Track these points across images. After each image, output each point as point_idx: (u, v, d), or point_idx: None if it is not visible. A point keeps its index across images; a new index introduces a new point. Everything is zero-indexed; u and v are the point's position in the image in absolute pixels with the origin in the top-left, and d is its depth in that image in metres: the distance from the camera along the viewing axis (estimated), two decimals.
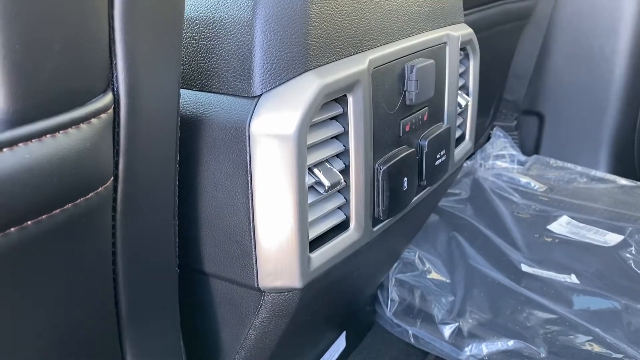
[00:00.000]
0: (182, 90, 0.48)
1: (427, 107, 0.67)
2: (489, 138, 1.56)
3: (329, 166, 0.54)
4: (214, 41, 0.49)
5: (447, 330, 0.93)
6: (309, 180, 0.52)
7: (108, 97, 0.36)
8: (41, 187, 0.33)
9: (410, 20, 0.64)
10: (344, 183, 0.56)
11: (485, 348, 0.89)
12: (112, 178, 0.38)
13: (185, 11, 0.44)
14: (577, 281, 1.02)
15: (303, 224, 0.51)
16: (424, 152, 0.66)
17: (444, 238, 1.13)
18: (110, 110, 0.36)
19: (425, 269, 1.05)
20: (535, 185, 1.38)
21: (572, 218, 1.22)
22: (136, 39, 0.36)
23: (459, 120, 0.80)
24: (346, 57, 0.54)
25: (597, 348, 0.86)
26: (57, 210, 0.34)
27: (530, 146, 1.61)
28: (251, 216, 0.50)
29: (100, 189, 0.37)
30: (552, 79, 1.53)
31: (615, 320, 0.92)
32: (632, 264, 1.07)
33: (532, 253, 1.10)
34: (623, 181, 1.39)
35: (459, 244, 1.11)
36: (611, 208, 1.27)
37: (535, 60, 1.54)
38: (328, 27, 0.51)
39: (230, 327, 0.58)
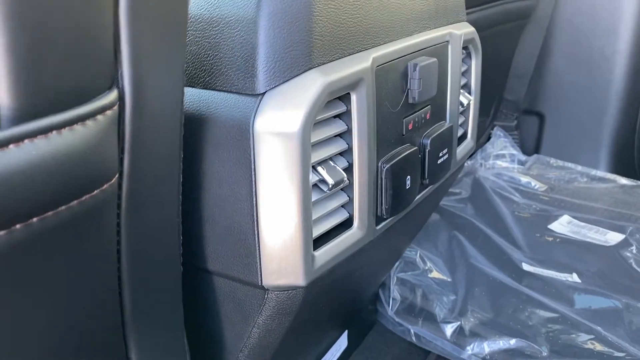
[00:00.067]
0: (185, 88, 0.48)
1: (429, 106, 0.67)
2: (489, 138, 1.56)
3: (332, 164, 0.54)
4: (217, 39, 0.49)
5: (449, 329, 0.93)
6: (313, 178, 0.52)
7: (113, 94, 0.36)
8: (47, 183, 0.33)
9: (413, 18, 0.64)
10: (348, 181, 0.56)
11: (487, 347, 0.89)
12: (117, 175, 0.38)
13: (189, 8, 0.44)
14: (578, 280, 1.02)
15: (307, 222, 0.51)
16: (427, 150, 0.66)
17: (445, 237, 1.13)
18: (116, 107, 0.36)
19: (426, 268, 1.05)
20: (535, 184, 1.38)
21: (573, 217, 1.23)
22: (141, 36, 0.36)
23: (461, 119, 0.80)
24: (350, 55, 0.54)
25: (598, 347, 0.86)
26: (62, 207, 0.34)
27: (531, 146, 1.61)
28: (255, 214, 0.50)
29: (105, 185, 0.37)
30: (553, 78, 1.54)
31: (616, 319, 0.92)
32: (633, 263, 1.07)
33: (533, 252, 1.11)
34: (623, 181, 1.39)
35: (460, 243, 1.11)
36: (612, 207, 1.27)
37: (536, 60, 1.54)
38: (332, 25, 0.51)
39: (233, 325, 0.58)
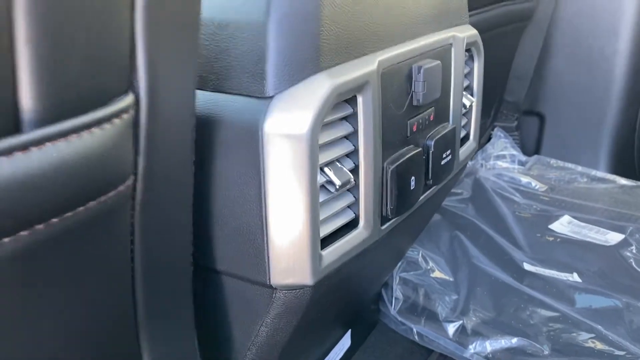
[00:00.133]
0: (196, 91, 0.49)
1: (433, 108, 0.68)
2: (489, 138, 1.57)
3: (339, 165, 0.55)
4: (227, 43, 0.50)
5: (451, 328, 0.94)
6: (320, 179, 0.53)
7: (129, 98, 0.36)
8: (66, 185, 0.34)
9: (418, 21, 0.65)
10: (354, 182, 0.57)
11: (489, 346, 0.90)
12: (131, 177, 0.39)
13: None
14: (579, 280, 1.03)
15: (315, 222, 0.52)
16: (431, 151, 0.67)
17: (446, 237, 1.14)
18: (132, 111, 0.37)
19: (428, 267, 1.06)
20: (536, 185, 1.39)
21: (573, 217, 1.24)
22: (156, 42, 0.37)
23: (464, 121, 0.81)
24: (356, 58, 0.55)
25: (599, 345, 0.87)
26: (80, 208, 0.35)
27: (531, 146, 1.62)
28: (264, 214, 0.51)
29: (120, 187, 0.38)
30: (553, 79, 1.54)
31: (617, 318, 0.93)
32: (633, 263, 1.08)
33: (534, 252, 1.12)
34: (623, 181, 1.40)
35: (462, 243, 1.12)
36: (612, 208, 1.28)
37: (536, 61, 1.55)
38: (339, 29, 0.52)
39: (242, 323, 0.59)
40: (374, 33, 0.57)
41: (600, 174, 1.45)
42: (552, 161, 1.51)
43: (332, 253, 0.55)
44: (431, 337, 0.95)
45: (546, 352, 0.87)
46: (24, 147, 0.31)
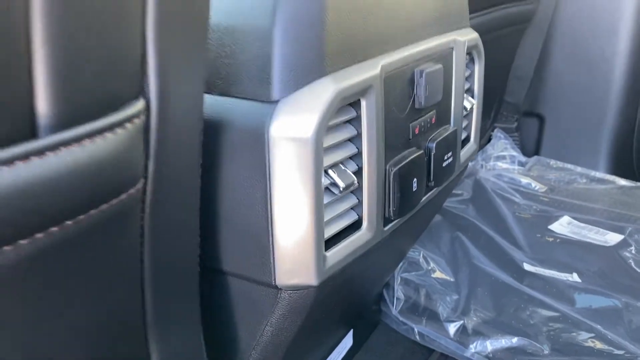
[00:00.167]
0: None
1: (435, 110, 0.69)
2: (489, 139, 1.58)
3: (343, 168, 0.56)
4: (234, 48, 0.51)
5: (452, 328, 0.95)
6: (325, 181, 0.54)
7: (140, 103, 0.37)
8: (79, 188, 0.35)
9: (419, 26, 0.66)
10: (357, 184, 0.58)
11: (490, 345, 0.91)
12: (142, 180, 0.40)
13: None
14: (578, 280, 1.04)
15: (319, 223, 0.53)
16: (432, 154, 0.68)
17: (447, 238, 1.15)
18: (143, 115, 0.38)
19: (429, 268, 1.07)
20: (536, 185, 1.40)
21: (573, 218, 1.25)
22: (166, 48, 0.38)
23: (464, 123, 0.82)
24: (360, 62, 0.56)
25: (599, 345, 0.88)
26: (93, 211, 0.36)
27: (531, 147, 1.63)
28: (269, 216, 0.52)
29: (131, 190, 0.39)
30: (553, 80, 1.56)
31: (616, 318, 0.94)
32: (632, 263, 1.09)
33: (534, 252, 1.13)
34: (622, 182, 1.41)
35: (463, 244, 1.13)
36: (611, 208, 1.29)
37: (536, 62, 1.56)
38: (343, 34, 0.53)
39: (247, 323, 0.60)
40: (377, 37, 0.58)
41: (599, 174, 1.46)
42: (552, 162, 1.52)
43: (336, 254, 0.56)
44: (432, 336, 0.96)
45: (546, 352, 0.88)
46: (40, 152, 0.32)
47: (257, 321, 0.59)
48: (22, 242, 0.32)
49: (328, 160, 0.54)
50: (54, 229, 0.34)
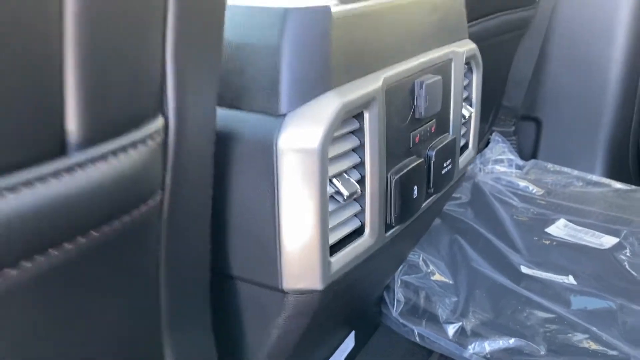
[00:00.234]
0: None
1: (434, 120, 0.72)
2: (488, 143, 1.60)
3: (347, 177, 0.59)
4: (244, 63, 0.53)
5: (451, 330, 0.97)
6: (329, 190, 0.56)
7: (160, 121, 0.40)
8: (104, 201, 0.37)
9: (420, 39, 0.68)
10: (360, 192, 0.60)
11: (488, 346, 0.94)
12: (160, 192, 0.42)
13: None
14: (574, 282, 1.06)
15: (324, 230, 0.55)
16: (432, 161, 0.71)
17: (446, 241, 1.17)
18: (162, 132, 0.40)
19: (429, 270, 1.09)
20: (533, 189, 1.42)
21: (569, 221, 1.27)
22: (184, 69, 0.41)
23: (463, 130, 0.85)
24: (363, 76, 0.58)
25: (593, 345, 0.90)
26: (116, 222, 0.38)
27: (528, 151, 1.65)
28: (277, 223, 0.55)
29: (150, 201, 0.41)
30: (550, 85, 1.58)
31: (611, 320, 0.96)
32: (627, 266, 1.11)
33: (531, 255, 1.15)
34: (618, 185, 1.43)
35: (461, 247, 1.15)
36: (607, 211, 1.31)
37: (533, 67, 1.59)
38: (347, 51, 0.56)
39: (255, 326, 0.62)
40: (379, 52, 0.61)
41: (595, 178, 1.47)
42: (549, 165, 1.54)
43: (340, 259, 0.59)
44: (432, 338, 0.98)
45: (542, 352, 0.90)
46: (70, 168, 0.34)
47: (265, 324, 0.61)
48: (52, 251, 0.35)
49: (333, 169, 0.56)
50: (81, 239, 0.36)
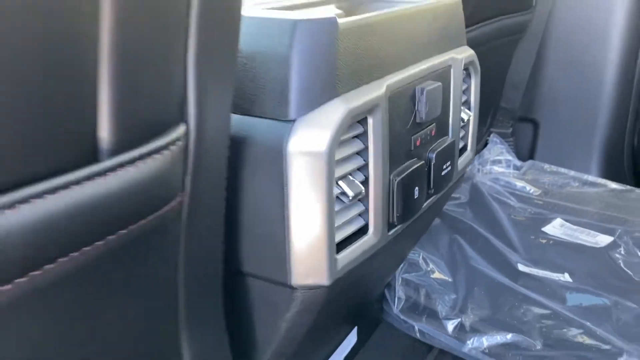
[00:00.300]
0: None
1: (434, 124, 0.75)
2: (486, 144, 1.63)
3: (351, 178, 0.62)
4: (256, 72, 0.56)
5: (451, 326, 1.00)
6: (335, 191, 0.59)
7: (182, 128, 0.43)
8: (132, 202, 0.40)
9: (420, 47, 0.72)
10: (364, 193, 0.63)
11: (486, 341, 0.97)
12: (180, 194, 0.46)
13: None
14: (570, 280, 1.09)
15: (331, 229, 0.58)
16: (432, 163, 0.74)
17: (446, 240, 1.20)
18: (183, 138, 0.43)
19: (429, 269, 1.12)
20: (530, 189, 1.45)
21: (566, 220, 1.30)
22: (203, 78, 0.44)
23: (462, 133, 0.88)
24: (367, 83, 0.61)
25: (588, 340, 0.93)
26: (142, 221, 0.42)
27: (526, 152, 1.68)
28: (286, 223, 0.58)
29: (172, 203, 0.44)
30: (547, 88, 1.61)
31: (605, 316, 0.99)
32: (622, 264, 1.14)
33: (528, 254, 1.18)
34: (613, 185, 1.46)
35: (460, 246, 1.18)
36: (602, 211, 1.34)
37: (530, 70, 1.62)
38: (352, 60, 0.59)
39: (265, 320, 0.65)
40: (382, 61, 0.64)
41: (591, 178, 1.50)
42: (546, 166, 1.57)
43: (346, 257, 0.62)
44: (432, 334, 1.01)
45: (539, 347, 0.93)
46: (102, 173, 0.37)
47: (274, 318, 0.64)
48: (86, 249, 0.38)
49: (338, 172, 0.60)
50: (111, 237, 0.39)
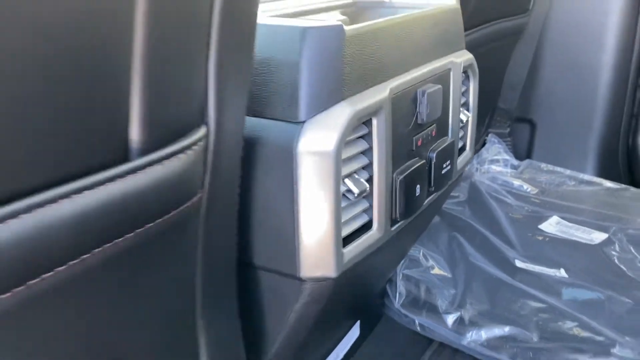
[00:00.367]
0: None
1: (435, 125, 0.78)
2: (484, 144, 1.66)
3: (357, 177, 0.65)
4: (267, 77, 0.60)
5: (450, 319, 1.03)
6: (342, 188, 0.63)
7: (203, 129, 0.47)
8: (158, 199, 0.44)
9: (421, 52, 0.75)
10: (368, 190, 0.67)
11: (484, 334, 1.00)
12: (200, 191, 0.49)
13: None
14: (565, 275, 1.13)
15: (338, 224, 0.62)
16: (433, 162, 0.78)
17: (445, 237, 1.23)
18: (204, 139, 0.47)
19: (429, 265, 1.15)
20: (527, 188, 1.49)
21: (562, 218, 1.33)
22: (222, 85, 0.48)
23: (461, 133, 0.92)
24: (371, 87, 0.65)
25: (582, 332, 0.97)
26: (166, 216, 0.45)
27: (523, 151, 1.71)
28: (296, 218, 0.61)
29: (194, 199, 0.48)
30: (543, 89, 1.64)
31: (599, 310, 1.02)
32: (616, 260, 1.17)
33: (525, 250, 1.21)
34: (608, 184, 1.49)
35: (459, 243, 1.22)
36: (597, 209, 1.37)
37: (527, 71, 1.65)
38: (358, 65, 0.63)
39: (275, 311, 0.69)
40: (386, 65, 0.67)
41: (587, 177, 1.53)
42: (543, 165, 1.60)
43: (352, 250, 0.66)
44: (432, 327, 1.04)
45: (535, 339, 0.97)
46: (133, 171, 0.41)
47: (283, 309, 0.68)
48: (117, 240, 0.42)
49: (344, 170, 0.63)
50: (139, 230, 0.43)
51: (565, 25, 1.58)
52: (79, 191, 0.38)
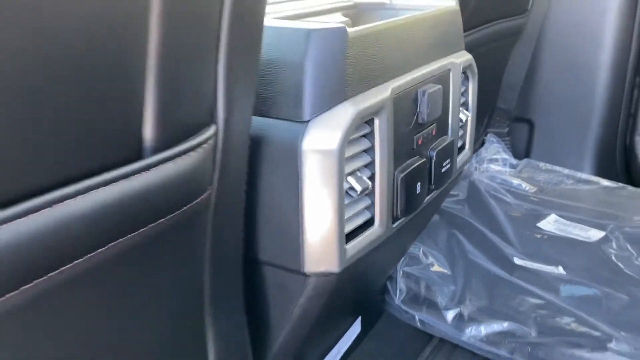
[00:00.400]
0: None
1: (435, 124, 0.80)
2: (483, 143, 1.68)
3: (359, 174, 0.67)
4: (272, 78, 0.62)
5: (450, 315, 1.05)
6: (345, 186, 0.65)
7: (212, 128, 0.48)
8: (169, 195, 0.46)
9: (422, 53, 0.77)
10: (370, 188, 0.69)
11: (484, 330, 1.01)
12: (209, 187, 0.51)
13: None
14: (563, 272, 1.14)
15: (341, 221, 0.64)
16: (433, 161, 0.79)
17: (444, 235, 1.25)
18: (213, 138, 0.49)
19: (428, 262, 1.16)
20: (526, 186, 1.50)
21: (560, 216, 1.34)
22: (230, 85, 0.49)
23: (460, 132, 0.94)
24: (374, 87, 0.67)
25: (580, 328, 0.98)
26: (177, 212, 0.47)
27: (521, 150, 1.72)
28: (300, 215, 0.63)
29: (203, 196, 0.50)
30: (542, 89, 1.66)
31: (596, 306, 1.03)
32: (613, 257, 1.18)
33: (524, 248, 1.22)
34: (606, 182, 1.51)
35: (459, 241, 1.23)
36: (595, 207, 1.38)
37: (526, 71, 1.67)
38: (360, 66, 0.64)
39: (279, 305, 0.71)
40: (387, 66, 0.69)
41: (585, 176, 1.54)
42: (541, 164, 1.61)
43: (354, 246, 0.67)
44: (432, 323, 1.05)
45: (533, 335, 0.98)
46: (147, 168, 0.43)
47: (288, 304, 0.70)
48: (132, 234, 0.43)
49: (347, 168, 0.65)
50: (152, 225, 0.45)
51: (564, 26, 1.60)
52: (96, 187, 0.39)
